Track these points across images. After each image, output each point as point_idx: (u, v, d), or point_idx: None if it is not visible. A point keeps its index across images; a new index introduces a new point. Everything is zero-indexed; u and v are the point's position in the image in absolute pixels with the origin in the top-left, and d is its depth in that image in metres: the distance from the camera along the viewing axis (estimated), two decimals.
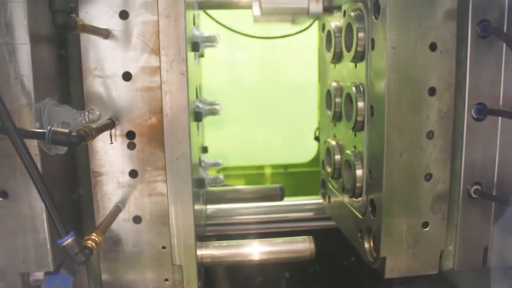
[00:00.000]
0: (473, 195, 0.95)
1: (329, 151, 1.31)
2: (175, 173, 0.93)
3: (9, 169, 0.83)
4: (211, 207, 1.54)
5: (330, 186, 1.38)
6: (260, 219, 1.54)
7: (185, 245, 0.97)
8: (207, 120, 1.20)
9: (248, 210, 1.55)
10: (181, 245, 0.97)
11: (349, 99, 1.12)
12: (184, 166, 0.93)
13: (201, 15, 1.61)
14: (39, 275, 0.90)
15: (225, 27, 1.80)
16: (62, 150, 0.79)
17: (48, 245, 0.86)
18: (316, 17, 1.29)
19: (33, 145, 0.80)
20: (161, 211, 0.96)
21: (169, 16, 0.87)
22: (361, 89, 1.05)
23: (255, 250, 1.09)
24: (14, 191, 0.84)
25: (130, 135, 0.93)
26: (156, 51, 0.90)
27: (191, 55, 1.02)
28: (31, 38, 0.79)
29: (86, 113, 0.82)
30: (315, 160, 2.38)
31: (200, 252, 1.04)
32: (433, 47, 0.91)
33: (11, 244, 0.86)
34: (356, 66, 1.10)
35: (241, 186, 1.71)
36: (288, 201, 1.61)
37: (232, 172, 2.08)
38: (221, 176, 1.23)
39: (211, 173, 1.19)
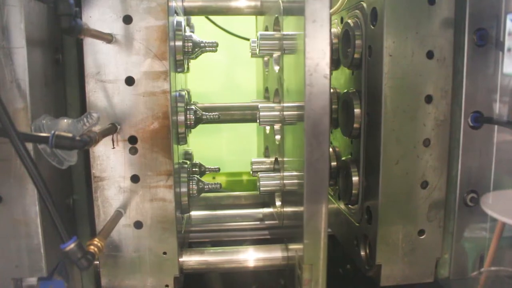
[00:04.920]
0: (469, 203, 0.95)
1: None
2: (313, 174, 0.90)
3: (3, 174, 0.82)
4: (207, 213, 1.54)
5: None
6: (256, 226, 1.53)
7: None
8: (204, 126, 1.20)
9: (244, 217, 1.54)
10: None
11: (345, 106, 1.12)
12: (322, 167, 0.91)
13: (200, 18, 1.61)
14: (32, 280, 0.89)
15: (224, 30, 1.81)
16: (73, 160, 0.78)
17: (42, 251, 0.85)
18: None
19: (28, 149, 0.79)
20: (162, 216, 0.96)
21: (316, 21, 0.85)
22: (358, 96, 1.05)
23: (250, 257, 1.08)
24: (8, 196, 0.83)
25: (132, 140, 0.93)
26: (160, 56, 0.90)
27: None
28: (28, 42, 0.79)
29: (84, 118, 0.81)
30: None
31: (195, 258, 1.04)
32: (430, 55, 0.92)
33: (4, 249, 0.85)
34: (353, 73, 1.10)
35: (237, 193, 1.70)
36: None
37: (228, 178, 2.07)
38: (219, 182, 1.23)
39: (206, 179, 1.18)
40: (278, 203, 1.28)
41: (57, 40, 0.95)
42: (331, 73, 1.18)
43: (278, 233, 1.32)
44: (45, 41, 0.89)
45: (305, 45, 0.83)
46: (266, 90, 1.43)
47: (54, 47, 0.93)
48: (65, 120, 0.77)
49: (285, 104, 1.04)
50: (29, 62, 0.80)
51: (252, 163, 1.34)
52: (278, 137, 1.24)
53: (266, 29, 1.31)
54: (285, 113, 1.05)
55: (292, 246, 1.04)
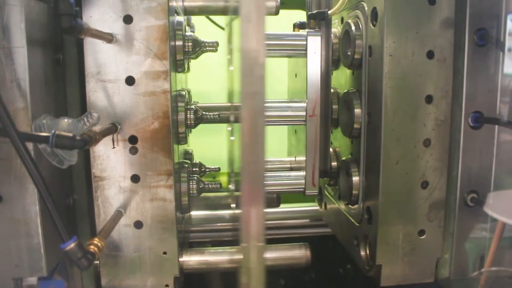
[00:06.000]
0: (470, 203, 0.95)
1: None
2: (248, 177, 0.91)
3: (3, 173, 0.82)
4: (207, 213, 1.54)
5: (326, 193, 1.37)
6: None
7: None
8: (204, 126, 1.20)
9: None
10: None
11: (346, 106, 1.12)
12: (257, 170, 0.91)
13: (200, 18, 1.61)
14: (33, 280, 0.89)
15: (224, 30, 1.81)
16: (73, 159, 0.78)
17: (42, 250, 0.85)
18: None
19: (28, 149, 0.79)
20: (162, 216, 0.96)
21: (250, 21, 0.86)
22: (358, 96, 1.05)
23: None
24: (9, 195, 0.83)
25: (132, 139, 0.93)
26: (160, 56, 0.90)
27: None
28: (28, 42, 0.79)
29: (84, 118, 0.81)
30: None
31: (195, 258, 1.04)
32: (430, 55, 0.91)
33: (4, 249, 0.85)
34: (353, 73, 1.10)
35: (237, 193, 1.70)
36: (284, 207, 1.60)
37: (228, 178, 2.07)
38: (219, 182, 1.23)
39: (206, 179, 1.18)
40: (233, 205, 1.28)
41: (58, 40, 0.95)
42: (331, 73, 1.18)
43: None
44: (46, 40, 0.89)
45: (241, 45, 0.83)
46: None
47: (54, 46, 0.93)
48: (66, 120, 0.77)
49: (235, 105, 1.05)
50: (29, 61, 0.79)
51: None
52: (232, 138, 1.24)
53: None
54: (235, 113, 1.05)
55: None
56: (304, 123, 1.11)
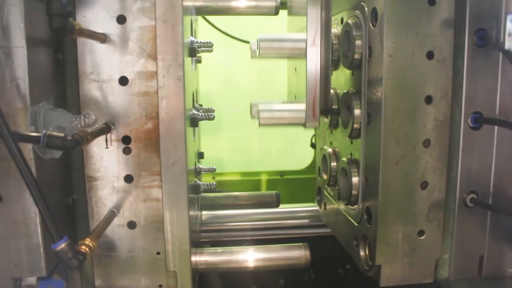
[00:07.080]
0: (469, 204, 0.95)
1: (325, 158, 1.31)
2: (170, 178, 0.93)
3: (3, 173, 0.82)
4: (206, 213, 1.54)
5: (326, 193, 1.37)
6: (255, 226, 1.53)
7: (180, 251, 0.96)
8: (204, 126, 1.20)
9: (243, 217, 1.54)
10: (176, 251, 0.96)
11: (345, 106, 1.12)
12: (179, 172, 0.92)
13: (199, 20, 1.62)
14: (32, 280, 0.89)
15: (223, 32, 1.81)
16: (57, 154, 0.79)
17: (41, 250, 0.85)
18: None
19: (27, 148, 0.79)
20: (156, 216, 0.96)
21: (167, 21, 0.87)
22: (358, 96, 1.05)
23: (250, 257, 1.08)
24: (8, 195, 0.83)
25: (126, 140, 0.93)
26: (153, 56, 0.90)
27: (188, 60, 1.02)
28: (28, 42, 0.79)
29: (82, 117, 0.81)
30: (311, 167, 2.38)
31: (194, 258, 1.03)
32: (430, 55, 0.91)
33: (4, 249, 0.85)
34: (353, 74, 1.10)
35: (236, 193, 1.70)
36: (284, 208, 1.60)
37: (228, 178, 2.08)
38: (214, 183, 1.24)
39: (206, 179, 1.18)
40: None
41: (57, 40, 0.95)
42: (331, 73, 1.18)
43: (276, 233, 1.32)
44: (45, 40, 0.89)
45: (157, 46, 0.83)
46: None
47: (54, 46, 0.93)
48: (61, 113, 0.77)
49: None
50: (29, 61, 0.80)
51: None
52: None
53: None
54: None
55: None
56: (303, 55, 1.04)
